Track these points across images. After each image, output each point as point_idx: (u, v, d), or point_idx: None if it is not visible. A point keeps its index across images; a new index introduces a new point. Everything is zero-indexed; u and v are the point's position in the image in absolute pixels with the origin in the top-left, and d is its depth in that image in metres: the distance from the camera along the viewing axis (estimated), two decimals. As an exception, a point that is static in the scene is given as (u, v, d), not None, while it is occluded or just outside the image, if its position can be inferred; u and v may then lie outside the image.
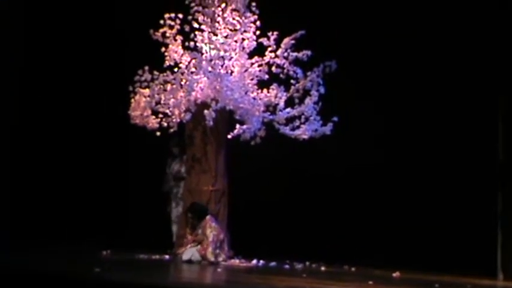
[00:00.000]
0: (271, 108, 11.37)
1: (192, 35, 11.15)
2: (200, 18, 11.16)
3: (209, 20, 11.16)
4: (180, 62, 11.34)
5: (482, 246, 11.28)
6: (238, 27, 11.16)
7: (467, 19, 11.85)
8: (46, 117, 13.20)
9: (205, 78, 11.17)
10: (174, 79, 11.24)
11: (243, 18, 11.18)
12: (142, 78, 11.37)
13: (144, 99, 11.37)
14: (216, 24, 11.17)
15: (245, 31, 11.22)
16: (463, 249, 11.51)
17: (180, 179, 11.90)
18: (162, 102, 11.31)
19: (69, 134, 13.30)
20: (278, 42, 11.30)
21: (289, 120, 11.38)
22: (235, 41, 11.19)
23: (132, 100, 11.45)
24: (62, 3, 13.07)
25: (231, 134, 11.14)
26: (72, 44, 13.20)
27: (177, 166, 12.03)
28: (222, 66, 11.16)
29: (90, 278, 8.08)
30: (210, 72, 11.11)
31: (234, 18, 11.16)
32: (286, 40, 11.31)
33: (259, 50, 11.35)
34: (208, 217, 10.91)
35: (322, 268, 10.86)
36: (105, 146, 13.33)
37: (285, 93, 11.35)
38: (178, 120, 11.31)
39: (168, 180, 12.12)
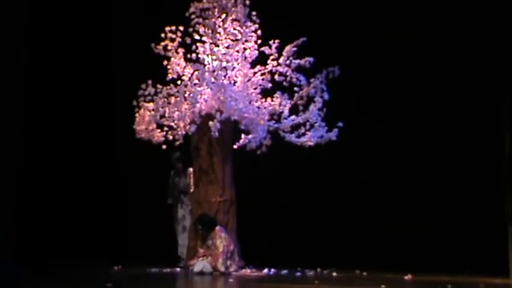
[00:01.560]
0: (276, 116, 11.38)
1: (194, 47, 11.17)
2: (201, 29, 11.17)
3: (210, 31, 11.18)
4: (183, 75, 11.36)
5: (494, 246, 11.23)
6: (239, 37, 11.17)
7: (470, 25, 11.89)
8: (50, 134, 13.19)
9: (209, 90, 11.19)
10: (178, 92, 11.26)
11: (244, 28, 11.19)
12: (146, 92, 11.39)
13: (148, 113, 11.39)
14: (217, 35, 11.18)
15: (246, 41, 11.23)
16: (474, 250, 11.49)
17: (187, 193, 11.90)
18: (166, 115, 11.33)
19: (74, 150, 13.28)
20: (280, 50, 11.32)
21: (295, 127, 11.39)
22: (237, 51, 11.20)
23: (137, 114, 11.47)
24: (60, 22, 13.08)
25: (237, 144, 11.15)
26: (73, 61, 13.20)
27: (182, 180, 11.99)
28: (225, 76, 11.17)
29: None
30: (213, 83, 11.13)
31: (234, 28, 11.18)
32: (288, 48, 11.32)
33: (261, 59, 11.37)
34: (217, 228, 10.89)
35: (334, 274, 10.83)
36: (111, 161, 13.32)
37: (289, 101, 11.36)
38: (184, 132, 11.32)
39: (171, 193, 12.07)
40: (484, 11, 11.76)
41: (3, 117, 12.02)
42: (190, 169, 11.82)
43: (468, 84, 12.11)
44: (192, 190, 11.74)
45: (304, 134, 11.36)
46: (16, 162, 12.31)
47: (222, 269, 10.64)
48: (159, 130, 11.42)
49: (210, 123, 10.86)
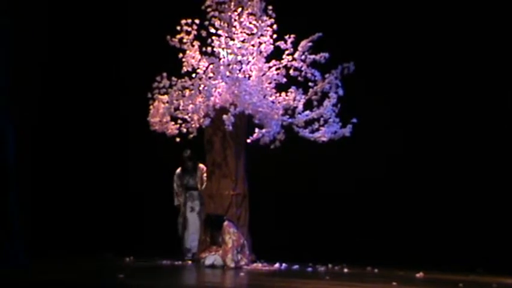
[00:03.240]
0: (290, 111, 11.36)
1: (209, 40, 11.16)
2: (217, 23, 11.16)
3: (226, 24, 11.17)
4: (198, 68, 11.36)
5: (507, 245, 11.21)
6: (255, 31, 11.15)
7: (491, 17, 11.85)
8: (65, 125, 13.23)
9: (223, 83, 11.19)
10: (192, 85, 11.26)
11: (260, 22, 11.17)
12: (161, 85, 11.40)
13: (162, 105, 11.41)
14: (233, 29, 11.16)
15: (262, 35, 11.22)
16: (487, 249, 11.46)
17: (195, 189, 11.87)
18: (180, 108, 11.33)
19: (86, 144, 13.31)
20: (295, 45, 11.29)
21: (308, 123, 11.36)
22: (253, 45, 11.19)
23: (151, 107, 11.49)
24: (76, 14, 13.10)
25: (251, 138, 11.15)
26: (89, 53, 13.23)
27: (192, 179, 11.94)
28: (239, 70, 11.16)
29: (113, 284, 8.08)
30: (228, 77, 11.12)
31: (250, 23, 11.16)
32: (303, 43, 11.30)
33: (276, 54, 11.35)
34: (225, 223, 10.88)
35: (345, 270, 10.83)
36: (125, 153, 13.35)
37: (303, 96, 11.33)
38: (198, 125, 11.33)
39: (179, 194, 12.02)
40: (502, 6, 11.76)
41: (19, 106, 12.01)
42: (201, 165, 11.81)
43: (484, 79, 12.08)
44: (203, 187, 11.70)
45: (318, 130, 11.33)
46: (29, 152, 12.32)
47: (232, 264, 10.64)
48: (173, 123, 11.43)
49: (224, 116, 10.86)
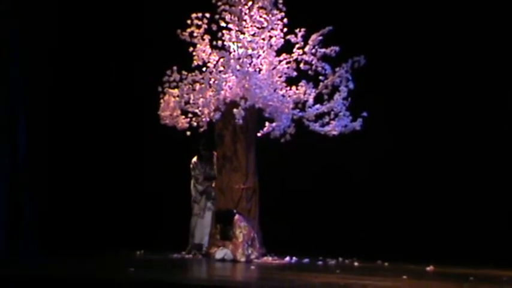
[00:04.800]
0: (300, 105, 11.37)
1: (220, 34, 11.16)
2: (227, 17, 11.16)
3: (236, 18, 11.17)
4: (208, 61, 11.37)
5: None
6: (265, 25, 11.15)
7: (499, 18, 11.84)
8: (77, 120, 13.25)
9: (234, 77, 11.19)
10: (203, 78, 11.27)
11: (270, 15, 11.16)
12: (171, 79, 11.42)
13: (173, 99, 11.43)
14: (243, 23, 11.17)
15: (272, 29, 11.21)
16: (499, 243, 11.44)
17: (212, 178, 11.83)
18: (191, 101, 11.34)
19: (99, 137, 13.33)
20: (306, 39, 11.29)
21: (319, 116, 11.37)
22: (263, 39, 11.18)
23: (162, 101, 11.51)
24: (88, 9, 13.12)
25: (261, 131, 11.17)
26: (100, 46, 13.24)
27: (208, 169, 11.89)
28: (250, 64, 11.16)
29: (124, 277, 8.11)
30: (238, 70, 11.13)
31: (261, 16, 11.15)
32: (313, 36, 11.29)
33: (287, 47, 11.34)
34: (236, 217, 10.89)
35: (356, 264, 10.84)
36: (137, 147, 13.36)
37: (313, 90, 11.34)
38: (208, 119, 11.34)
39: (201, 182, 11.94)
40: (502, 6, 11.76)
41: (32, 100, 12.08)
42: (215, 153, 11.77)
43: (490, 81, 12.08)
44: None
45: (328, 123, 11.33)
46: (44, 148, 12.37)
47: (243, 259, 10.65)
48: (183, 116, 11.45)
49: (235, 110, 10.87)
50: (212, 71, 11.27)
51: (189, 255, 11.54)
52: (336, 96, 11.29)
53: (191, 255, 11.49)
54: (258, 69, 11.28)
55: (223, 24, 11.22)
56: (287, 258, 11.04)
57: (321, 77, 11.34)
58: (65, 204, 12.75)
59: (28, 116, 11.87)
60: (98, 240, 12.28)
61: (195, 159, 11.98)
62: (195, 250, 11.62)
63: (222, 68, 11.25)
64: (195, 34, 11.33)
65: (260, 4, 11.19)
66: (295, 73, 11.32)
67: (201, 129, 11.35)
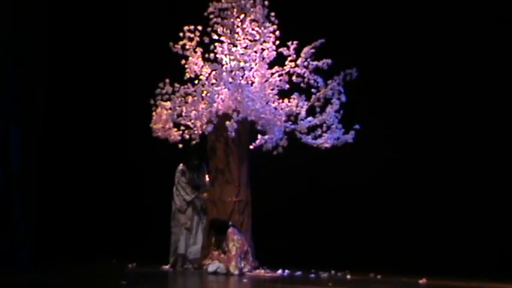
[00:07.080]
0: (293, 117, 11.37)
1: (212, 47, 11.16)
2: (219, 29, 11.17)
3: (228, 31, 11.18)
4: (201, 74, 11.37)
5: (509, 251, 11.20)
6: (257, 37, 11.16)
7: (490, 27, 11.89)
8: (68, 131, 13.23)
9: (226, 90, 11.20)
10: (195, 91, 11.27)
11: (262, 28, 11.18)
12: (164, 91, 11.40)
13: (165, 111, 11.41)
14: (236, 35, 11.17)
15: (265, 41, 11.23)
16: (491, 255, 11.45)
17: (199, 187, 11.72)
18: (183, 114, 11.33)
19: (90, 148, 13.31)
20: (298, 52, 11.30)
21: (311, 129, 11.37)
22: (255, 52, 11.19)
23: (154, 113, 11.50)
24: (79, 20, 13.12)
25: (253, 144, 11.16)
26: (91, 59, 13.24)
27: (197, 178, 11.76)
28: (242, 77, 11.16)
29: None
30: (230, 83, 11.13)
31: (253, 29, 11.17)
32: (306, 49, 11.31)
33: (279, 60, 11.35)
34: (230, 230, 10.85)
35: (348, 276, 10.81)
36: (127, 159, 13.34)
37: (306, 102, 11.34)
38: (200, 132, 11.33)
39: (189, 192, 11.81)
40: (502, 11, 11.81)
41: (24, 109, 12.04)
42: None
43: (485, 88, 12.11)
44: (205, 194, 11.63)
45: (320, 136, 11.33)
46: (35, 155, 12.32)
47: (236, 272, 10.62)
48: (175, 129, 11.43)
49: (227, 123, 10.87)
50: (204, 84, 11.27)
51: (173, 267, 11.41)
52: (328, 108, 11.30)
53: (182, 268, 11.39)
54: (250, 82, 11.28)
55: (215, 36, 11.23)
56: (280, 271, 11.00)
57: (313, 90, 11.35)
58: (56, 215, 12.72)
59: (21, 126, 11.83)
60: (89, 252, 12.24)
61: (181, 166, 11.74)
62: (181, 262, 11.49)
63: (214, 81, 11.25)
64: (187, 47, 11.34)
65: (252, 17, 11.21)
66: (287, 86, 11.33)
67: (194, 142, 11.33)
